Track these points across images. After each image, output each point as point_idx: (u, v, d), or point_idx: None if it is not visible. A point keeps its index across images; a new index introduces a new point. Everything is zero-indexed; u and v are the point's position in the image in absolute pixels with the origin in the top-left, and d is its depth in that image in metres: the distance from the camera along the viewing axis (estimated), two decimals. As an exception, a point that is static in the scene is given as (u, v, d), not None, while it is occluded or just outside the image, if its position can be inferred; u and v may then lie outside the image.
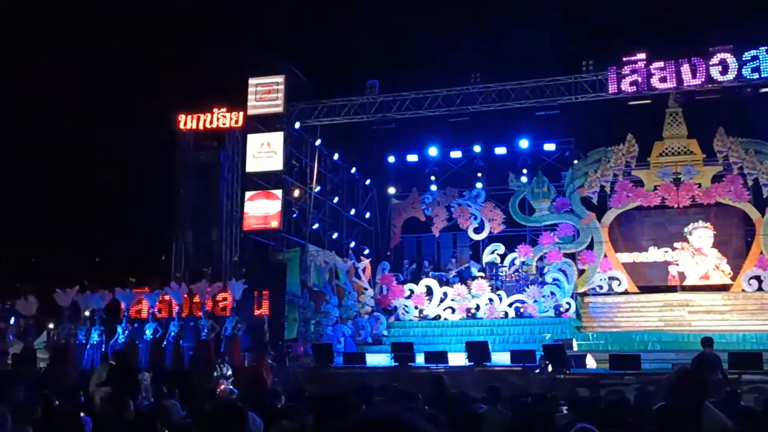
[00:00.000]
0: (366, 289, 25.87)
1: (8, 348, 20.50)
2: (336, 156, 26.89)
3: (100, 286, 22.26)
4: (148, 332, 20.59)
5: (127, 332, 20.64)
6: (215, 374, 16.65)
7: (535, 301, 24.34)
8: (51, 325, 27.59)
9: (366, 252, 27.99)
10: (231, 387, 16.18)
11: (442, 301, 25.40)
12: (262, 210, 23.37)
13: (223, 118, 24.33)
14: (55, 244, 35.50)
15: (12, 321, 24.13)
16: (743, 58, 20.85)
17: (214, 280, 22.15)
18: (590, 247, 26.00)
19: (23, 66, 33.77)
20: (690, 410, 5.07)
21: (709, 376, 8.78)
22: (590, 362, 18.64)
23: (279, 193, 23.41)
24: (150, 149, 29.37)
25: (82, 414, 8.09)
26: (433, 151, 26.59)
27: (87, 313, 21.71)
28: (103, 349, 19.95)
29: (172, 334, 20.32)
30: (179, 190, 24.67)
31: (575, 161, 26.22)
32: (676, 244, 25.34)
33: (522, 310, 24.31)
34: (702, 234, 25.13)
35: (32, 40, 33.64)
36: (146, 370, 16.64)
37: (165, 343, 20.39)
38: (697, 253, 25.03)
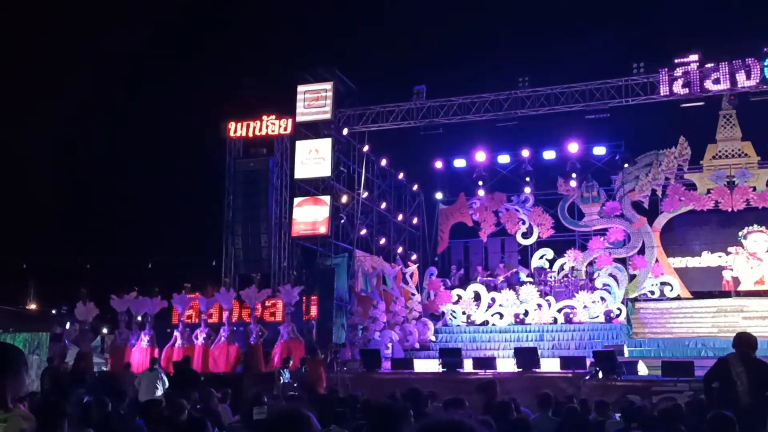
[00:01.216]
0: (413, 294, 25.92)
1: (66, 352, 21.05)
2: (383, 162, 27.01)
3: (151, 291, 22.77)
4: (200, 337, 20.99)
5: (183, 337, 21.06)
6: (281, 380, 16.55)
7: (585, 306, 24.06)
8: (105, 330, 28.30)
9: (413, 257, 28.03)
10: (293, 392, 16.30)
11: (490, 306, 25.28)
12: (310, 216, 23.62)
13: (272, 126, 24.69)
14: (107, 250, 36.36)
15: (68, 326, 24.79)
16: (799, 58, 20.36)
17: (262, 285, 22.47)
18: (641, 251, 25.62)
19: (80, 68, 34.73)
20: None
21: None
22: (642, 369, 18.35)
23: (327, 199, 23.63)
24: (201, 156, 29.95)
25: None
26: (480, 156, 26.51)
27: (139, 318, 22.23)
28: (155, 354, 20.38)
29: (223, 338, 20.66)
30: (229, 197, 25.10)
31: (626, 165, 25.86)
32: (730, 249, 24.81)
33: (571, 315, 24.05)
34: (757, 238, 24.56)
35: (89, 41, 34.54)
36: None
37: (215, 347, 20.76)
38: (752, 258, 24.46)
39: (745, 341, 7.88)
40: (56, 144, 34.36)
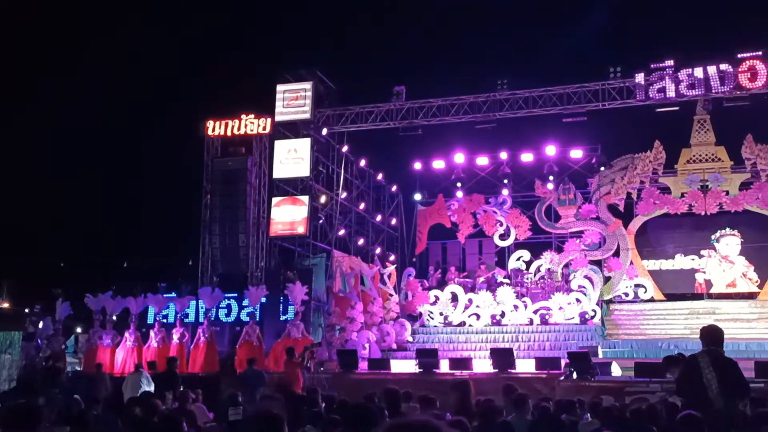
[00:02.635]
0: (391, 295, 25.97)
1: (41, 353, 20.88)
2: (362, 162, 27.05)
3: (128, 291, 22.65)
4: (175, 337, 20.91)
5: (159, 337, 20.97)
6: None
7: (561, 308, 24.27)
8: (79, 330, 28.05)
9: (391, 258, 28.11)
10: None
11: (467, 307, 25.41)
12: (288, 216, 23.61)
13: (250, 125, 24.67)
14: (83, 249, 36.04)
15: (41, 325, 24.56)
16: (772, 65, 20.71)
17: (240, 285, 22.46)
18: (616, 254, 25.89)
19: (52, 68, 34.39)
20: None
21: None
22: (615, 370, 18.56)
23: (305, 199, 23.63)
24: (179, 155, 29.79)
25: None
26: (459, 158, 26.65)
27: (114, 318, 22.11)
28: (141, 354, 20.33)
29: (202, 339, 20.60)
30: (207, 196, 25.01)
31: (602, 168, 26.13)
32: (702, 252, 25.15)
33: (547, 317, 24.25)
34: (729, 242, 24.93)
35: (62, 44, 34.24)
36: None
37: (193, 347, 20.71)
38: (724, 261, 24.83)
39: (713, 337, 7.90)
40: (29, 143, 34.00)
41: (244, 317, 22.19)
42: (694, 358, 7.76)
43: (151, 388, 14.51)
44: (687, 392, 7.77)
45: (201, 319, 21.29)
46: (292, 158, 23.88)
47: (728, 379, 7.48)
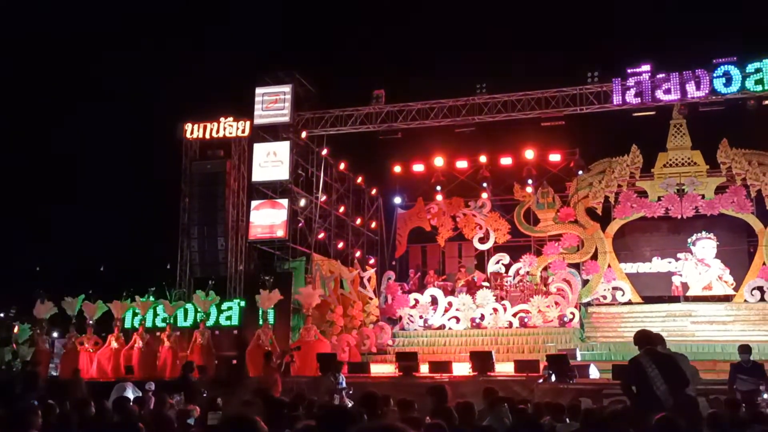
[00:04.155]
0: (371, 298, 25.95)
1: (17, 358, 20.68)
2: (342, 165, 27.01)
3: (104, 294, 22.50)
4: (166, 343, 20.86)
5: (144, 341, 20.91)
6: (337, 387, 15.54)
7: (539, 310, 24.39)
8: (55, 334, 27.77)
9: (371, 261, 28.09)
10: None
11: (447, 310, 25.45)
12: (267, 219, 23.52)
13: (229, 128, 24.56)
14: (59, 253, 35.69)
15: (16, 329, 24.31)
16: (747, 70, 20.99)
17: (219, 289, 22.37)
18: (594, 257, 26.09)
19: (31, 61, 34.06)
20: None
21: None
22: (593, 372, 18.67)
23: (285, 202, 23.56)
24: (157, 158, 29.62)
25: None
26: (438, 161, 26.70)
27: (90, 322, 21.94)
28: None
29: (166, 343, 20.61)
30: (185, 200, 24.86)
31: (580, 172, 26.31)
32: (679, 255, 25.41)
33: (526, 319, 24.35)
34: (705, 245, 25.21)
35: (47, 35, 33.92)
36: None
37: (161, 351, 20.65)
38: (701, 264, 25.10)
39: (647, 338, 8.05)
40: (5, 141, 33.64)
41: (223, 321, 22.11)
42: (636, 359, 7.85)
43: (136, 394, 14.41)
44: (636, 393, 7.88)
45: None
46: (271, 161, 23.79)
47: (671, 373, 7.64)
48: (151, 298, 22.65)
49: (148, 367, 20.40)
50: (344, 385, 15.88)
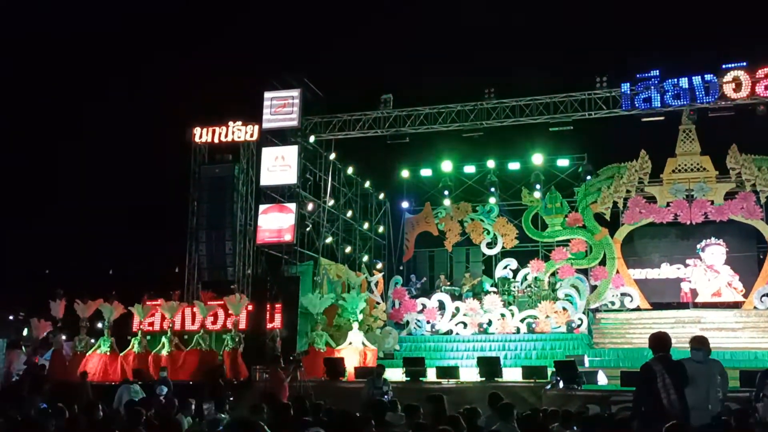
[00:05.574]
0: (378, 303, 25.92)
1: (22, 361, 20.72)
2: (350, 170, 27.02)
3: (113, 298, 22.51)
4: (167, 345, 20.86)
5: (143, 344, 20.89)
6: (383, 388, 14.22)
7: (547, 316, 24.30)
8: (63, 337, 27.82)
9: (379, 266, 28.07)
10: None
11: (454, 315, 25.40)
12: (275, 223, 23.53)
13: (238, 132, 24.60)
14: (68, 256, 35.80)
15: (25, 332, 24.40)
16: (757, 76, 20.92)
17: (227, 293, 22.35)
18: (603, 263, 26.00)
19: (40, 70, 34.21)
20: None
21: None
22: (602, 379, 18.59)
23: (293, 206, 23.58)
24: (166, 161, 29.69)
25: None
26: (446, 166, 26.66)
27: (99, 325, 21.98)
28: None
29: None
30: (193, 203, 24.90)
31: (588, 177, 26.24)
32: (688, 261, 25.31)
33: (534, 325, 24.27)
34: (714, 251, 25.09)
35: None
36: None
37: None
38: (710, 270, 24.98)
39: (662, 343, 7.72)
40: (15, 147, 33.78)
41: (230, 326, 22.08)
42: (648, 366, 7.53)
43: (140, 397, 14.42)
44: (646, 402, 7.54)
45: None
46: (279, 165, 23.82)
47: (681, 381, 7.40)
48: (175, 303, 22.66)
49: (175, 370, 20.34)
50: (386, 389, 14.27)
